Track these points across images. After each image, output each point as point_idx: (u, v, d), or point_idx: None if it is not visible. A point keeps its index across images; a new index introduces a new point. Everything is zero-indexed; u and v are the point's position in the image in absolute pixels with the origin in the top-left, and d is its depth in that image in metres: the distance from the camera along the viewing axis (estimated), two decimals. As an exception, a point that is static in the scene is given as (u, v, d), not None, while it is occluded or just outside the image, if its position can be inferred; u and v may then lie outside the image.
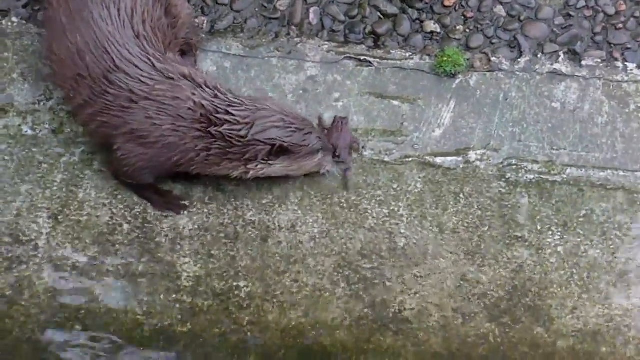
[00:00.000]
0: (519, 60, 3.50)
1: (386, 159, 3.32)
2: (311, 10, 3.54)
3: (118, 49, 2.91)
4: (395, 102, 3.39)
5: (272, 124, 2.94)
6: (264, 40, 3.47)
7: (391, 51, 3.49)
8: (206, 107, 2.91)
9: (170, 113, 2.91)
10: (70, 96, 3.02)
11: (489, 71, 3.45)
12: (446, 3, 3.57)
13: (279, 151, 2.97)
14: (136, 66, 2.92)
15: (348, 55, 3.46)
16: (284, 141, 2.95)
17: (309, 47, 3.47)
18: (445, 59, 3.43)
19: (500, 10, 3.59)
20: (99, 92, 2.94)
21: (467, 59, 3.46)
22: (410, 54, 3.49)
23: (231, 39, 3.48)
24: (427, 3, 3.57)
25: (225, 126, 2.92)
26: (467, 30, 3.54)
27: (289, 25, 3.51)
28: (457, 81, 3.44)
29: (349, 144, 3.21)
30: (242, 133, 2.92)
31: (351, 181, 3.20)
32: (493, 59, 3.49)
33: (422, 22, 3.55)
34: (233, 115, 2.92)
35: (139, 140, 2.96)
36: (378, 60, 3.46)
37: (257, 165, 2.99)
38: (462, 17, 3.57)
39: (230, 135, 2.93)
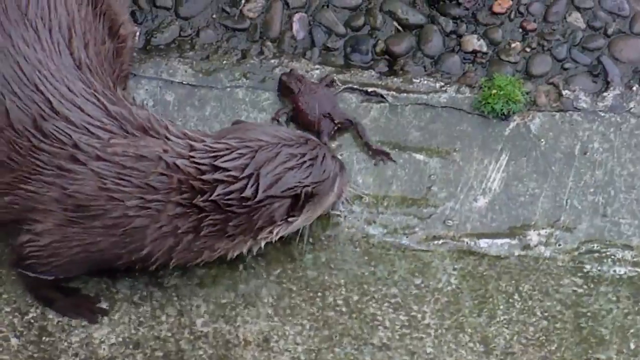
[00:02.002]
0: (605, 94, 3.23)
1: (405, 241, 3.04)
2: (295, 18, 3.27)
3: (54, 85, 2.66)
4: (419, 156, 3.14)
5: (282, 165, 2.67)
6: (224, 62, 3.23)
7: (414, 80, 3.24)
8: (183, 169, 2.63)
9: (135, 181, 2.62)
10: None
11: (559, 111, 3.20)
12: (496, 9, 3.29)
13: (305, 200, 2.76)
14: (81, 110, 2.66)
15: (350, 85, 3.21)
16: (307, 185, 2.71)
17: (292, 73, 3.33)
18: (494, 92, 3.16)
19: (576, 19, 3.30)
20: (25, 148, 2.67)
21: (527, 93, 3.19)
22: (443, 84, 3.24)
23: (176, 60, 3.23)
24: (467, 8, 3.31)
25: (219, 190, 2.61)
26: (528, 50, 3.28)
27: (263, 40, 3.24)
28: (512, 125, 3.17)
29: (336, 105, 3.06)
30: (248, 193, 2.63)
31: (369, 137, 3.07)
32: (566, 92, 3.22)
33: (460, 36, 3.29)
34: (226, 169, 2.63)
35: (87, 223, 2.65)
36: (394, 93, 3.21)
37: (271, 230, 2.75)
38: (520, 30, 3.31)
39: (230, 201, 2.63)
